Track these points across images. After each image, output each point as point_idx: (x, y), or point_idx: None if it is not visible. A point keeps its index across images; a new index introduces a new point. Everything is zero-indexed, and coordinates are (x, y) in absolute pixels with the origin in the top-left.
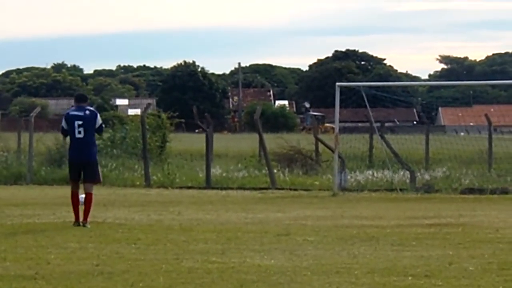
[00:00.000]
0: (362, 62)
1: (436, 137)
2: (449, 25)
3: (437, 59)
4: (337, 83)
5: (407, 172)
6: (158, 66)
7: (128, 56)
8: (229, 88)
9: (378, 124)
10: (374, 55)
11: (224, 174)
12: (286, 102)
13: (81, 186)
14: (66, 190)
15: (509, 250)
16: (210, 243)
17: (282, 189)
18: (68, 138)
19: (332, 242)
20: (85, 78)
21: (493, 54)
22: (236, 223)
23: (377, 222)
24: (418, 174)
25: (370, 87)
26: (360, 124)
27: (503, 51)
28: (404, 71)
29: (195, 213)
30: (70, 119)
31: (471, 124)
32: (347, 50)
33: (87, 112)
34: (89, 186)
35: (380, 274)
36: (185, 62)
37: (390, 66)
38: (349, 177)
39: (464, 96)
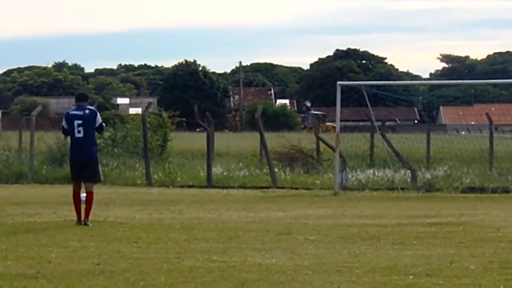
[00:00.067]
0: (363, 61)
1: (437, 136)
2: (450, 24)
3: (438, 58)
4: (338, 82)
5: (408, 171)
6: (159, 65)
7: (129, 55)
8: (230, 87)
9: (379, 123)
10: (375, 54)
11: (225, 173)
12: (287, 101)
13: (83, 185)
14: (67, 189)
15: (510, 249)
16: (211, 242)
17: (283, 188)
18: (69, 138)
19: (333, 241)
20: (86, 77)
21: (494, 53)
22: (237, 222)
23: (378, 221)
24: (419, 173)
25: (371, 86)
26: (361, 123)
27: (504, 50)
28: (405, 70)
29: (196, 212)
30: (70, 118)
31: (472, 123)
32: (348, 49)
33: (87, 111)
34: (90, 185)
35: (381, 273)
36: (186, 61)
37: (391, 65)
38: (350, 176)
39: (465, 95)
